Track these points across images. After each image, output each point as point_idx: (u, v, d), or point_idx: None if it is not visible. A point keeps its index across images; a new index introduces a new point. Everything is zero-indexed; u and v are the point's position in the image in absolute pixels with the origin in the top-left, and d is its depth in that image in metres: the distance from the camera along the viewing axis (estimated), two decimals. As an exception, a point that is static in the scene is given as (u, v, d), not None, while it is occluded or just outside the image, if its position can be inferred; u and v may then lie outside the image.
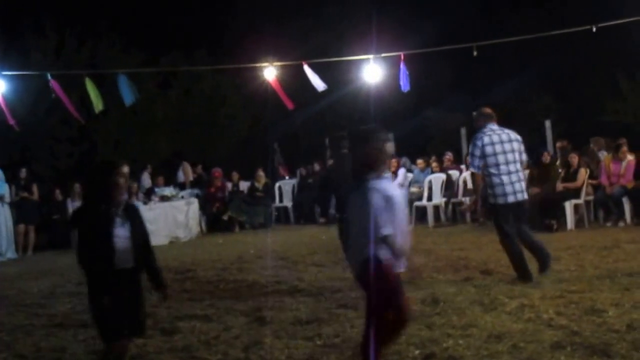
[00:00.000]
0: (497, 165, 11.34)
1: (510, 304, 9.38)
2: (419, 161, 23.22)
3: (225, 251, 17.47)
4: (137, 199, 22.29)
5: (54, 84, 17.75)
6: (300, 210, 24.88)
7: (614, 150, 19.00)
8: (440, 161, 22.91)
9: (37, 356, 8.66)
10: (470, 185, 21.14)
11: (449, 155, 23.30)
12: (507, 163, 11.37)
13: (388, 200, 6.18)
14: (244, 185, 25.53)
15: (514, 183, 11.41)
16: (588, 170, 18.88)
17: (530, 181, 18.89)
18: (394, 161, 23.18)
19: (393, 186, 6.47)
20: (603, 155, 20.12)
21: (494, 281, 11.24)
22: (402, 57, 17.80)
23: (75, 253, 6.50)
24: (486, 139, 11.40)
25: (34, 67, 25.64)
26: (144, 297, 6.82)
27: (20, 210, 20.77)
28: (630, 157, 18.55)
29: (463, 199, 21.00)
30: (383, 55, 18.34)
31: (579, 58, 32.89)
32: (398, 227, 6.24)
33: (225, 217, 23.33)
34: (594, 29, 16.18)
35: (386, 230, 6.16)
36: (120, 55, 32.18)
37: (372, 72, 18.44)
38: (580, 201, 18.51)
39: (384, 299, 6.31)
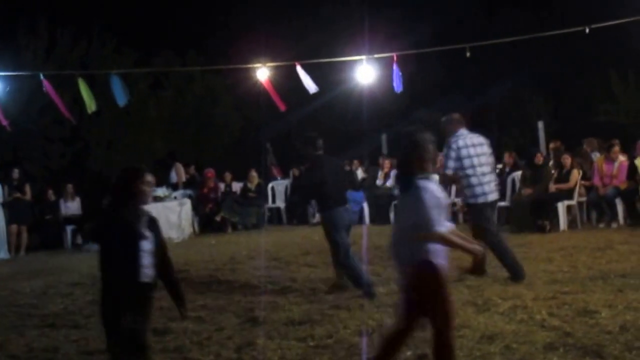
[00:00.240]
0: (473, 166, 11.68)
1: (503, 305, 9.39)
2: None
3: (218, 252, 17.44)
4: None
5: (46, 84, 17.72)
6: (293, 211, 24.86)
7: (606, 151, 19.04)
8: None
9: (29, 356, 8.64)
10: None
11: (441, 157, 23.24)
12: (481, 165, 11.74)
13: (438, 200, 6.20)
14: (236, 186, 25.49)
15: (490, 183, 11.82)
16: (581, 171, 18.90)
17: (523, 182, 18.93)
18: (386, 162, 23.23)
19: (439, 188, 6.46)
20: (596, 156, 20.14)
21: (486, 282, 11.24)
22: (395, 57, 17.79)
23: (99, 268, 6.40)
24: (461, 142, 11.79)
25: (27, 67, 25.62)
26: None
27: (12, 211, 20.72)
28: (622, 158, 18.59)
29: (456, 200, 21.01)
30: (376, 56, 18.33)
31: (572, 59, 32.93)
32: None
33: (217, 218, 23.30)
34: (587, 30, 16.19)
35: (440, 228, 6.19)
36: (112, 56, 32.17)
37: (365, 72, 18.42)
38: (573, 202, 18.53)
39: (436, 302, 6.30)
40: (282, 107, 18.85)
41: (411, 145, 6.48)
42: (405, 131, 6.85)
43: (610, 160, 18.60)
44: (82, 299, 12.22)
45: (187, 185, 25.68)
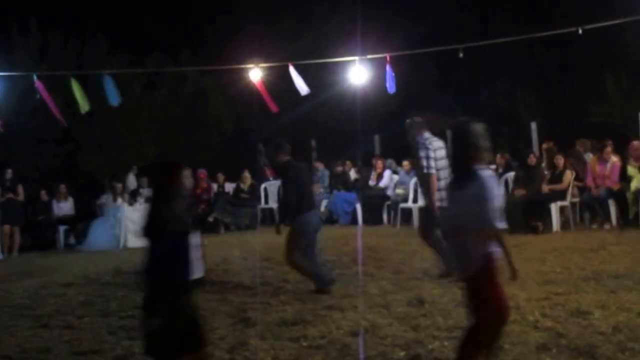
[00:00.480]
0: (438, 170, 11.89)
1: (495, 306, 9.39)
2: (405, 163, 23.12)
3: (211, 252, 17.39)
4: (123, 200, 22.26)
5: (38, 84, 17.69)
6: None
7: (599, 152, 19.07)
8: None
9: (22, 357, 8.62)
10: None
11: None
12: (445, 169, 11.83)
13: (496, 193, 6.22)
14: (229, 187, 25.50)
15: None
16: (574, 172, 18.92)
17: (516, 183, 18.95)
18: (379, 162, 23.25)
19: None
20: (589, 157, 20.16)
21: (479, 283, 11.24)
22: (388, 58, 17.79)
23: (147, 266, 6.39)
24: (435, 144, 12.07)
25: (19, 67, 25.57)
26: None
27: (5, 211, 20.73)
28: (615, 159, 18.63)
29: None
30: (369, 57, 18.33)
31: (565, 60, 32.97)
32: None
33: (210, 219, 23.29)
34: (580, 31, 16.20)
35: (498, 224, 6.23)
36: (105, 56, 32.12)
37: (358, 73, 18.41)
38: (566, 203, 18.54)
39: (490, 297, 6.30)
40: (273, 109, 18.85)
41: (468, 136, 6.47)
42: (457, 122, 6.80)
43: (603, 160, 18.63)
44: (74, 299, 12.20)
45: (179, 185, 25.65)
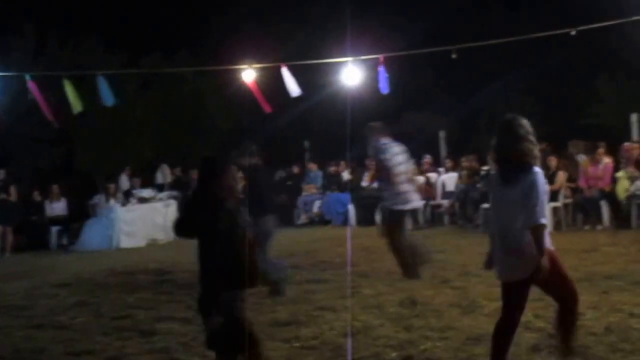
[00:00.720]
0: (399, 174, 12.21)
1: (488, 306, 9.40)
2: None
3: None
4: (116, 201, 22.26)
5: (32, 85, 17.65)
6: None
7: (592, 153, 19.11)
8: (419, 164, 22.86)
9: (15, 357, 8.64)
10: (449, 188, 21.29)
11: (427, 159, 23.26)
12: (405, 173, 12.43)
13: (545, 189, 6.27)
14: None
15: (410, 192, 12.51)
16: (566, 173, 18.94)
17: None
18: (372, 163, 23.25)
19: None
20: (582, 158, 20.16)
21: (472, 283, 11.27)
22: (382, 59, 17.78)
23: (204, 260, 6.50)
24: (395, 149, 12.40)
25: (14, 68, 25.53)
26: None
27: (-2, 212, 20.75)
28: (607, 160, 18.64)
29: (442, 202, 21.09)
30: (362, 57, 18.31)
31: (558, 60, 32.98)
32: None
33: (205, 219, 23.24)
34: (573, 32, 16.21)
35: (545, 220, 6.32)
36: (101, 56, 32.06)
37: (351, 74, 18.38)
38: (559, 204, 18.56)
39: (564, 281, 6.61)
40: (267, 109, 18.84)
41: (520, 131, 6.51)
42: (506, 118, 6.80)
43: (596, 161, 18.66)
44: (67, 300, 12.21)
45: (173, 186, 25.66)
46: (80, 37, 32.44)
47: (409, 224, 13.85)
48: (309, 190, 24.28)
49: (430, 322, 8.90)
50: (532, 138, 6.49)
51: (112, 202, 22.16)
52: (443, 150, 25.91)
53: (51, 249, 21.73)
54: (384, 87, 17.93)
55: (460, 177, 21.16)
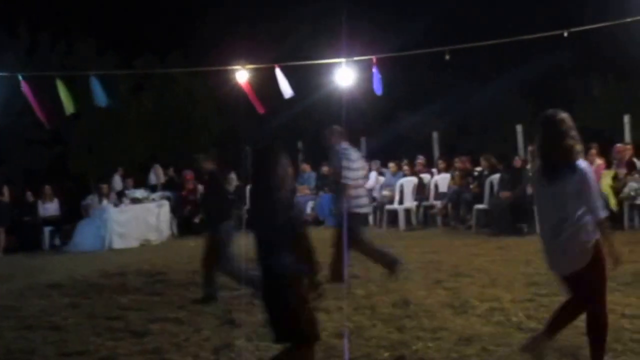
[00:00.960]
0: (357, 179, 12.33)
1: (480, 307, 9.43)
2: (391, 164, 23.12)
3: (197, 254, 17.28)
4: (109, 201, 22.23)
5: (24, 86, 17.63)
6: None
7: (584, 154, 19.11)
8: (412, 165, 22.87)
9: (7, 358, 8.64)
10: (441, 189, 21.30)
11: (420, 159, 23.25)
12: (362, 178, 13.00)
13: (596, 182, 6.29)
14: (216, 189, 25.42)
15: (366, 196, 12.99)
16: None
17: (501, 185, 18.95)
18: (365, 164, 23.26)
19: None
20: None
21: (464, 284, 11.29)
22: (375, 60, 17.80)
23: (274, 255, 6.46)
24: (353, 155, 12.47)
25: (7, 69, 25.50)
26: None
27: (-10, 212, 20.72)
28: (599, 162, 18.64)
29: (435, 203, 21.09)
30: (355, 58, 18.31)
31: (551, 62, 33.02)
32: None
33: (196, 220, 23.23)
34: (566, 34, 16.23)
35: (604, 214, 6.33)
36: (94, 57, 32.02)
37: (345, 75, 18.37)
38: (551, 205, 18.54)
39: (602, 282, 6.68)
40: (260, 110, 18.84)
41: (563, 127, 6.57)
42: (548, 113, 6.85)
43: (588, 163, 18.65)
44: (60, 300, 12.21)
45: (165, 187, 25.64)
46: (73, 38, 32.40)
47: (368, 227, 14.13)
48: (302, 191, 24.26)
49: (422, 323, 8.91)
50: (573, 133, 6.49)
51: (104, 202, 22.14)
52: (436, 151, 25.89)
53: (44, 250, 21.69)
54: (378, 88, 17.97)
55: (453, 178, 21.16)
